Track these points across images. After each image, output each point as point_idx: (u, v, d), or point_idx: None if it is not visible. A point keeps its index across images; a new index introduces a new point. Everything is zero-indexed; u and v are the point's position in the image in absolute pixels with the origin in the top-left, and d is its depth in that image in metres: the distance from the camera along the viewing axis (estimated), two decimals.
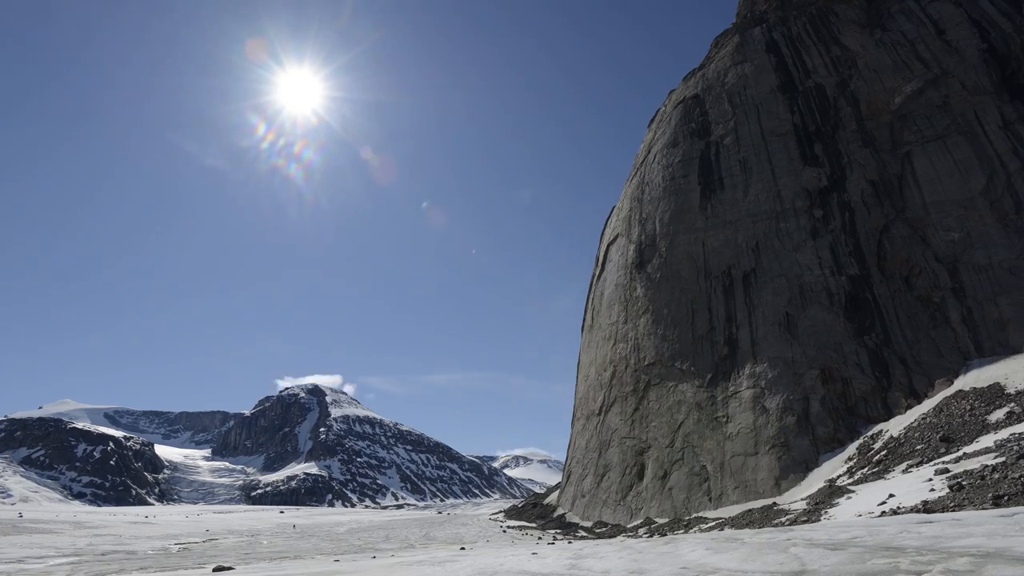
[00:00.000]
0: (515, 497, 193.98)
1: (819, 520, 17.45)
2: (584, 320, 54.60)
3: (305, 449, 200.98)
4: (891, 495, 16.94)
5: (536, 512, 50.17)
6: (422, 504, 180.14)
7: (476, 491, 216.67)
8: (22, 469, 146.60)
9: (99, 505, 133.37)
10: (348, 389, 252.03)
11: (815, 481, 26.63)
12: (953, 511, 12.47)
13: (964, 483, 15.03)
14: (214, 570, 13.72)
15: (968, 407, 24.05)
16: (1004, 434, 19.29)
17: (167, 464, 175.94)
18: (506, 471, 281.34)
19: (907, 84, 35.89)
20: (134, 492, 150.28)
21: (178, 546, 27.49)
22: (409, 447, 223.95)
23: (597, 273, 52.44)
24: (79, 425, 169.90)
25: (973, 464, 16.99)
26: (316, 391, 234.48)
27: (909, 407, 27.93)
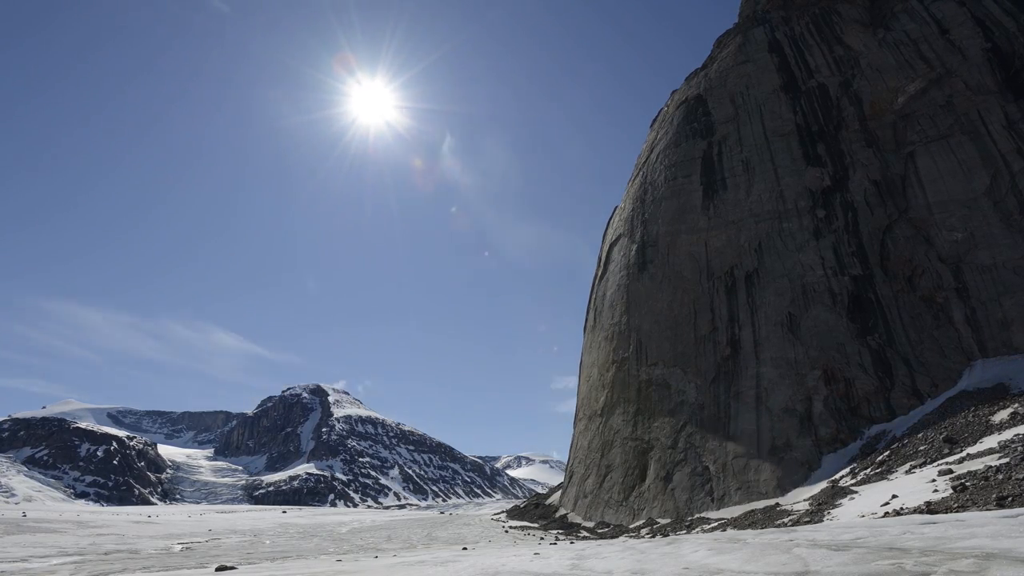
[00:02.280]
0: (517, 497, 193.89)
1: (822, 521, 17.41)
2: (586, 321, 54.56)
3: (307, 449, 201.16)
4: (894, 496, 16.89)
5: (538, 512, 50.14)
6: (424, 504, 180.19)
7: (478, 491, 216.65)
8: (26, 469, 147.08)
9: (102, 505, 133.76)
10: (348, 388, 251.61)
11: (818, 482, 26.57)
12: (957, 512, 12.42)
13: (967, 484, 14.98)
14: (217, 569, 13.74)
15: (972, 408, 23.98)
16: (1008, 435, 19.23)
17: (170, 464, 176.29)
18: (508, 471, 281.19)
19: (910, 84, 35.79)
20: (137, 492, 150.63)
21: (181, 546, 27.54)
22: (411, 447, 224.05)
23: (599, 274, 52.40)
24: (82, 425, 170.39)
25: (977, 465, 16.94)
26: (318, 391, 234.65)
27: (912, 408, 27.86)
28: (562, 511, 45.35)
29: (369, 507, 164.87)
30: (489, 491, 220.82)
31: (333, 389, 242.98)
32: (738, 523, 23.55)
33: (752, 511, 25.57)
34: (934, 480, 17.06)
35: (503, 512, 63.53)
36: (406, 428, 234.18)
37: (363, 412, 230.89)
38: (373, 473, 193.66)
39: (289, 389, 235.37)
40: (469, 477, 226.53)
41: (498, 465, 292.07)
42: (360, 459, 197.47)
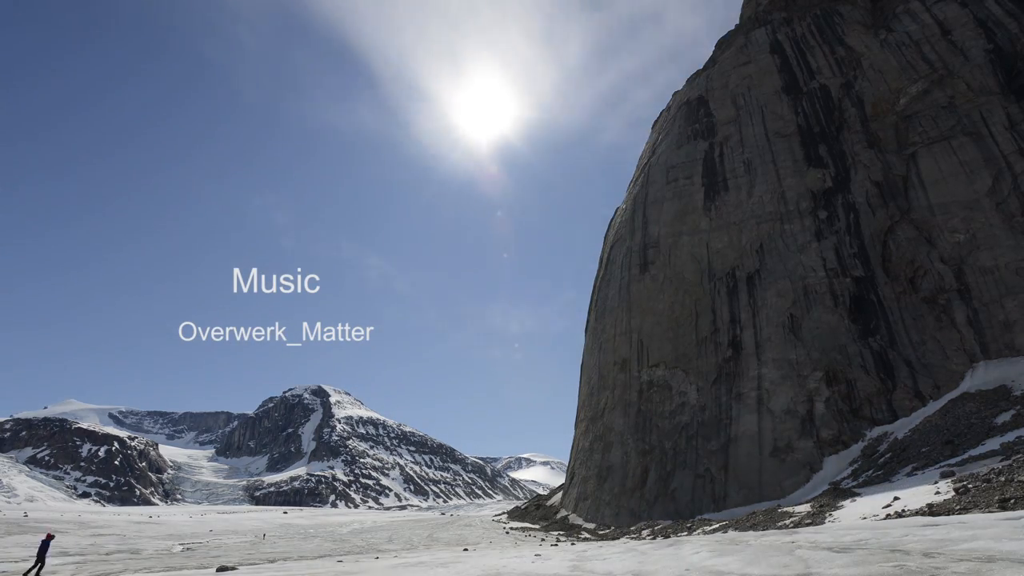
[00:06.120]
0: (518, 499, 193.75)
1: (824, 523, 17.36)
2: (588, 322, 54.51)
3: (308, 450, 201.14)
4: (896, 498, 16.84)
5: (539, 514, 50.09)
6: (425, 505, 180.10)
7: (479, 492, 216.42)
8: (27, 468, 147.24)
9: (104, 505, 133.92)
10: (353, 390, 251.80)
11: (819, 483, 26.52)
12: (959, 514, 12.38)
13: (970, 486, 14.93)
14: (217, 570, 13.74)
15: (974, 409, 23.92)
16: (1010, 437, 19.18)
17: (171, 464, 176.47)
18: (509, 473, 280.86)
19: (912, 85, 35.75)
20: (138, 492, 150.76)
21: (182, 546, 27.55)
22: (412, 448, 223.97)
23: (601, 275, 52.36)
24: (84, 425, 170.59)
25: (979, 467, 16.89)
26: (320, 392, 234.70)
27: (914, 409, 27.80)
28: (563, 512, 45.28)
29: (370, 508, 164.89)
30: (490, 492, 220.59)
31: (335, 390, 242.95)
32: (739, 525, 23.49)
33: (753, 512, 25.51)
34: (936, 482, 17.02)
35: (504, 513, 63.47)
36: (407, 429, 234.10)
37: (364, 413, 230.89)
38: (374, 474, 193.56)
39: (290, 390, 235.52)
40: (470, 478, 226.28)
41: (499, 466, 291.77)
42: (361, 460, 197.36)
